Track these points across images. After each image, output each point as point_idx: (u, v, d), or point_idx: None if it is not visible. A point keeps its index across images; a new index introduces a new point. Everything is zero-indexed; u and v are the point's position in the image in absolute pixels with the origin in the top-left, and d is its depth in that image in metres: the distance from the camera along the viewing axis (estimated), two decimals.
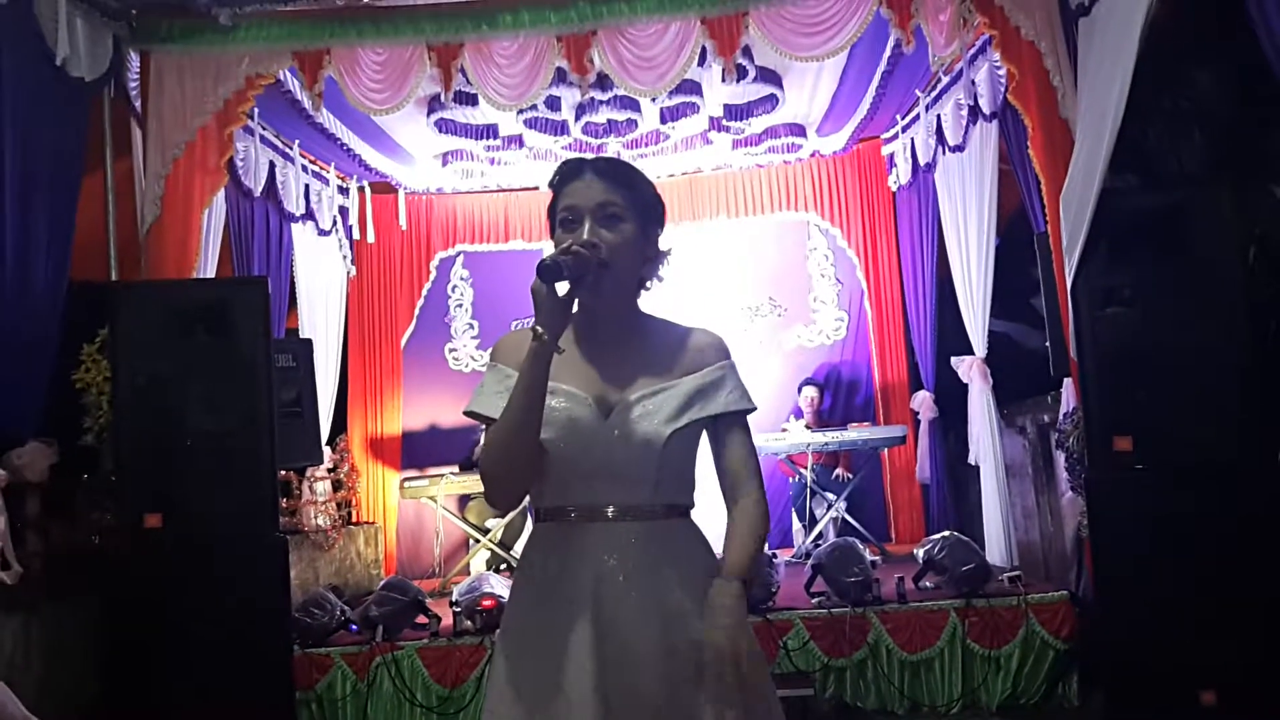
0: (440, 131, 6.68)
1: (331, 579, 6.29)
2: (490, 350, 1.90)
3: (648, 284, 1.89)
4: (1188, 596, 3.82)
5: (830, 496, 6.85)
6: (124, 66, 5.02)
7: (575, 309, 1.74)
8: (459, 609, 4.85)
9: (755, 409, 1.85)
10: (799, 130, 7.42)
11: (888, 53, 5.96)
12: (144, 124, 5.05)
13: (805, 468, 6.82)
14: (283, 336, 6.17)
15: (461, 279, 8.29)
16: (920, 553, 5.17)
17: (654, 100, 6.25)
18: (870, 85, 6.56)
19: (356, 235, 7.72)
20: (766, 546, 6.50)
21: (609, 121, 6.69)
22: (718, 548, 1.82)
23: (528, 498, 1.86)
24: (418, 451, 7.98)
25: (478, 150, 7.17)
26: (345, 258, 7.67)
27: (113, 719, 4.08)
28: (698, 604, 1.74)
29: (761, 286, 8.12)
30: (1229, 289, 3.97)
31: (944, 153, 6.53)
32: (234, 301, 4.41)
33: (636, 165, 1.91)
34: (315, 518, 6.41)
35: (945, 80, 6.31)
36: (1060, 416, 5.00)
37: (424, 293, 8.26)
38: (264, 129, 6.17)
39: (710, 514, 1.94)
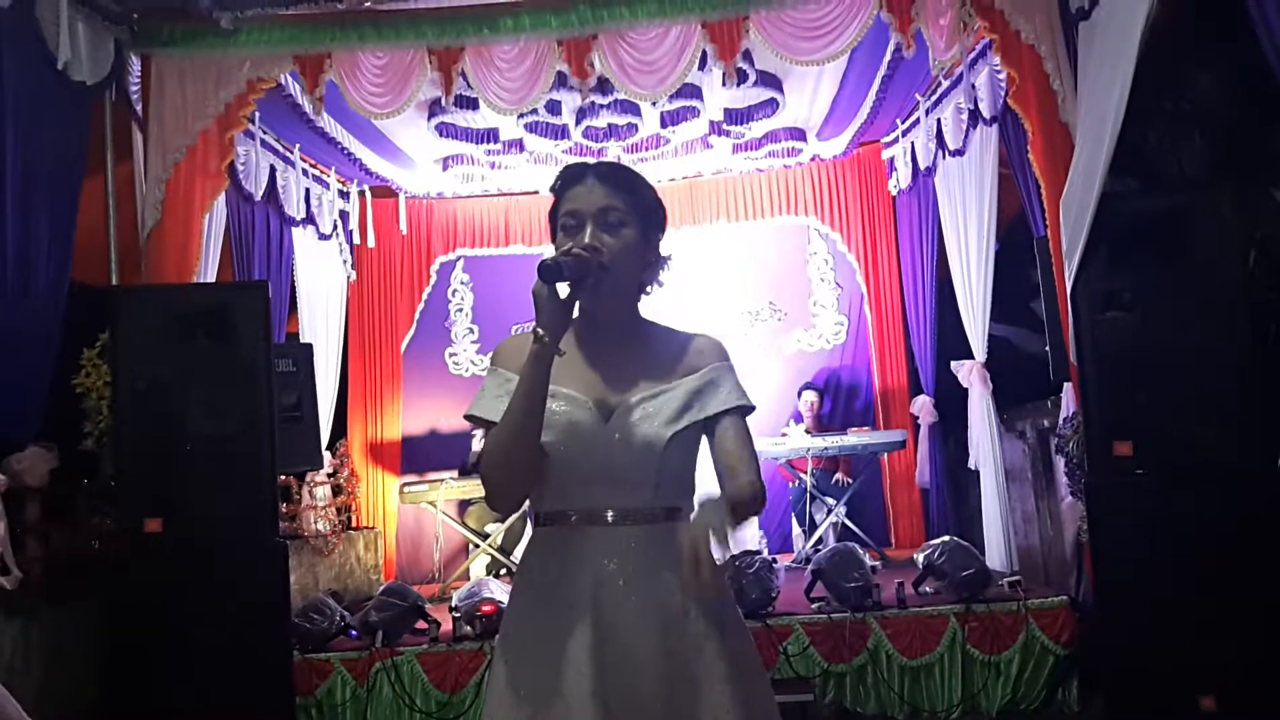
0: (441, 135, 6.69)
1: (331, 584, 6.28)
2: (490, 354, 1.90)
3: (648, 288, 1.89)
4: (1188, 601, 3.82)
5: (830, 501, 6.85)
6: (125, 70, 5.02)
7: (576, 313, 1.74)
8: (459, 614, 4.84)
9: (754, 407, 1.85)
10: (799, 134, 7.42)
11: (888, 57, 5.96)
12: (145, 128, 5.06)
13: (805, 472, 6.81)
14: (283, 341, 6.16)
15: (462, 283, 8.29)
16: (920, 558, 5.17)
17: (654, 104, 6.26)
18: (870, 89, 6.56)
19: (357, 239, 7.73)
20: (766, 551, 6.49)
21: (609, 125, 6.69)
22: (717, 552, 1.81)
23: (528, 502, 1.86)
24: (417, 456, 7.97)
25: (478, 154, 7.17)
26: (346, 262, 7.67)
27: None
28: (697, 607, 1.74)
29: (761, 291, 8.11)
30: (1229, 292, 3.97)
31: (944, 157, 6.53)
32: (234, 306, 4.41)
33: (637, 169, 1.91)
34: (315, 523, 6.41)
35: (945, 84, 6.31)
36: (1060, 421, 5.00)
37: (424, 297, 8.26)
38: (265, 133, 6.17)
39: None
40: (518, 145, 7.06)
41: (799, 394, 7.45)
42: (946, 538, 5.20)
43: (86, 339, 4.71)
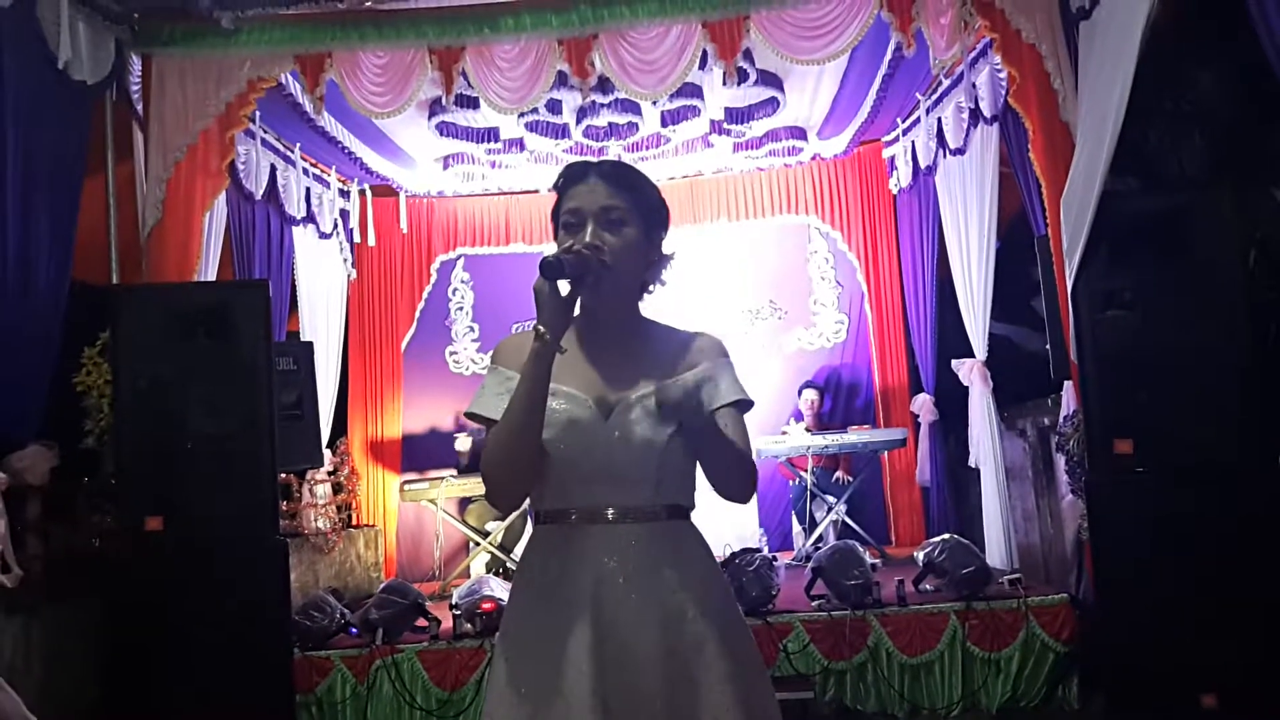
0: (441, 134, 6.69)
1: (331, 582, 6.29)
2: (491, 353, 1.90)
3: (650, 287, 1.89)
4: (1188, 599, 3.82)
5: (830, 499, 6.85)
6: (126, 70, 5.03)
7: (577, 310, 1.74)
8: (459, 612, 4.84)
9: (753, 402, 1.84)
10: (800, 133, 7.42)
11: (888, 56, 5.96)
12: (146, 127, 5.06)
13: (805, 470, 6.82)
14: (283, 339, 6.16)
15: (462, 282, 8.30)
16: (920, 555, 5.17)
17: (655, 103, 6.26)
18: (871, 88, 6.56)
19: (357, 238, 7.74)
20: (766, 548, 6.49)
21: (610, 125, 6.70)
22: (717, 550, 1.82)
23: (528, 500, 1.86)
24: (418, 454, 7.97)
25: (479, 153, 7.17)
26: (346, 260, 7.67)
27: None
28: (697, 606, 1.74)
29: (762, 289, 8.12)
30: (1229, 291, 3.97)
31: (945, 155, 6.53)
32: (235, 304, 4.41)
33: (640, 168, 1.91)
34: (315, 520, 6.41)
35: (946, 83, 6.31)
36: (1060, 419, 5.01)
37: (424, 296, 8.26)
38: (265, 132, 6.18)
39: (710, 514, 1.94)
40: (518, 144, 7.07)
41: (799, 392, 7.45)
42: (947, 536, 5.20)
43: (87, 338, 4.71)
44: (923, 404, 7.10)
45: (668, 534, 1.79)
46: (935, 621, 4.69)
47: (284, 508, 5.73)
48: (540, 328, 1.69)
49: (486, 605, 4.73)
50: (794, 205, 8.18)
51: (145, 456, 4.28)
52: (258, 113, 5.57)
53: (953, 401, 6.67)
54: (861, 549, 5.15)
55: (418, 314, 8.24)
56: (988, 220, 5.96)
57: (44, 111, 4.39)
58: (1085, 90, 4.34)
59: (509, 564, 6.59)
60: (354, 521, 7.30)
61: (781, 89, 6.48)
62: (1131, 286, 4.06)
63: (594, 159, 1.99)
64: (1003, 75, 5.07)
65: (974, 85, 5.87)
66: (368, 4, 5.14)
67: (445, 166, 7.49)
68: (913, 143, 7.09)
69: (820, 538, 6.65)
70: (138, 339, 4.32)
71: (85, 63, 4.64)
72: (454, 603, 4.94)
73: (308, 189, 6.83)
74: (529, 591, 1.82)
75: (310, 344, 6.10)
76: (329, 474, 6.78)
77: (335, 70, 5.18)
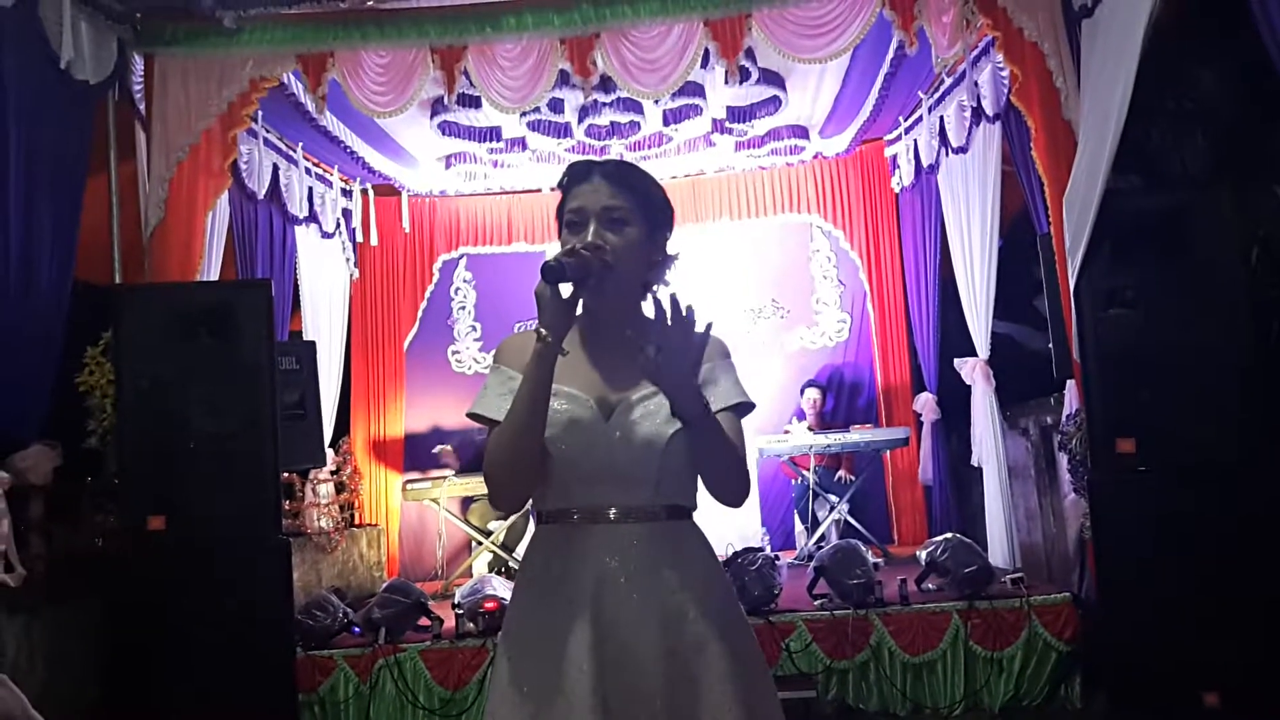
0: (443, 134, 6.69)
1: (334, 581, 6.29)
2: (493, 352, 1.90)
3: (654, 288, 1.89)
4: (1190, 597, 3.82)
5: (833, 498, 6.85)
6: (128, 69, 5.03)
7: (579, 311, 1.74)
8: (461, 611, 4.85)
9: (753, 405, 1.84)
10: (802, 132, 7.42)
11: (890, 54, 5.96)
12: (148, 127, 5.06)
13: (808, 469, 6.81)
14: (286, 339, 6.17)
15: (464, 281, 8.30)
16: (923, 554, 5.17)
17: (657, 102, 6.26)
18: (873, 87, 6.56)
19: (360, 238, 7.74)
20: (769, 548, 6.48)
21: (612, 124, 6.69)
22: (719, 549, 1.82)
23: (530, 500, 1.86)
24: (420, 454, 7.97)
25: (481, 153, 7.18)
26: (348, 260, 7.68)
27: None
28: (698, 606, 1.75)
29: (764, 288, 8.12)
30: (1232, 290, 3.97)
31: (947, 154, 6.53)
32: (237, 304, 4.41)
33: (644, 168, 1.91)
34: (318, 520, 6.41)
35: (948, 82, 6.31)
36: (1063, 418, 5.00)
37: (427, 295, 8.27)
38: (268, 132, 6.18)
39: (712, 514, 1.94)
40: (520, 143, 7.07)
41: (802, 391, 7.45)
42: (949, 534, 5.20)
43: (90, 337, 4.72)
44: (925, 403, 7.10)
45: (669, 534, 1.79)
46: (937, 620, 4.69)
47: (286, 507, 5.73)
48: (542, 330, 1.69)
49: (489, 604, 4.73)
50: (796, 204, 8.18)
51: (148, 456, 4.28)
52: (260, 112, 5.58)
53: (955, 400, 6.67)
54: (864, 548, 5.15)
55: (420, 313, 8.25)
56: (990, 219, 5.95)
57: (46, 111, 4.39)
58: (1087, 89, 4.34)
59: (511, 563, 6.59)
60: (356, 521, 7.30)
61: (783, 88, 6.47)
62: (1134, 285, 4.06)
63: (598, 158, 1.99)
64: (1005, 74, 5.07)
65: (976, 84, 5.86)
66: (370, 3, 5.15)
67: (447, 166, 7.49)
68: (915, 141, 7.09)
69: (822, 537, 6.65)
70: (140, 339, 4.32)
71: (88, 62, 4.65)
72: (456, 602, 4.94)
73: (310, 188, 6.84)
74: (531, 591, 1.82)
75: (313, 343, 6.10)
76: (331, 473, 6.78)
77: (337, 70, 5.18)
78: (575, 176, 1.84)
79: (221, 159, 5.10)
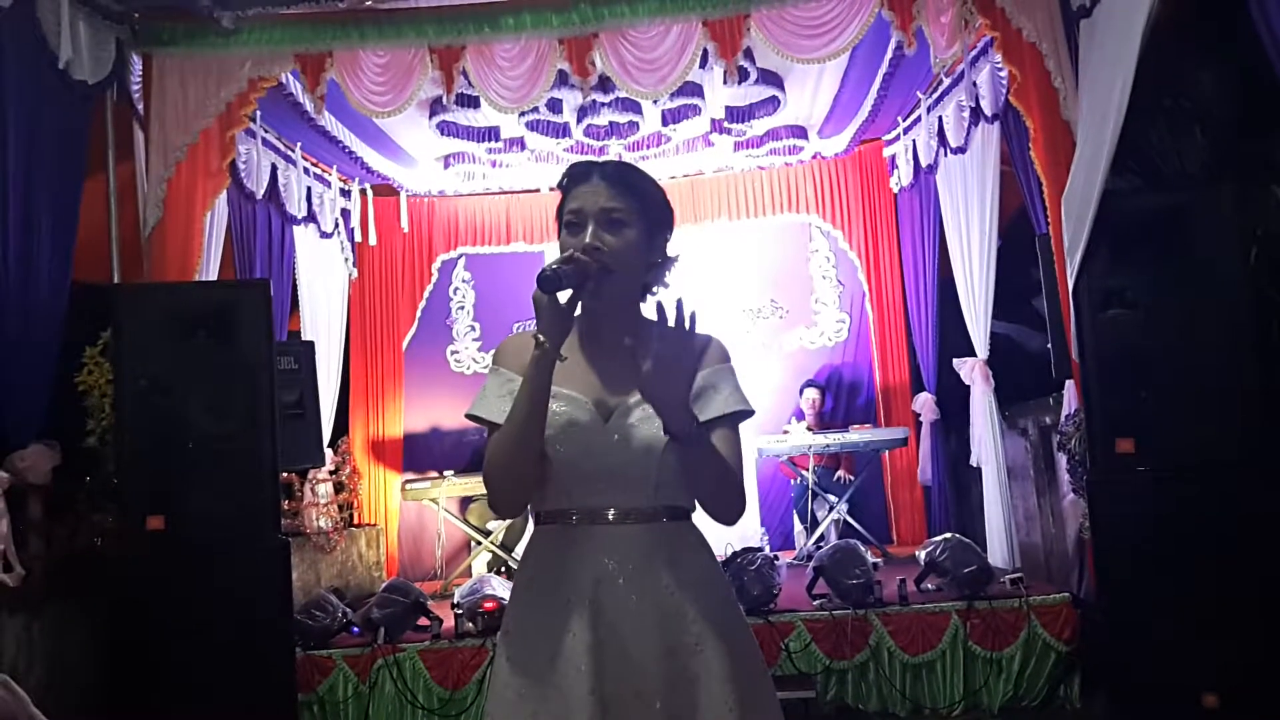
0: (442, 134, 6.69)
1: (333, 581, 6.29)
2: (492, 353, 1.90)
3: (653, 289, 1.89)
4: (1189, 598, 3.81)
5: (832, 498, 6.85)
6: (126, 69, 5.02)
7: (578, 312, 1.74)
8: (460, 611, 4.85)
9: (752, 412, 1.84)
10: (800, 132, 7.42)
11: (889, 54, 5.96)
12: (146, 127, 5.06)
13: (807, 469, 6.82)
14: (285, 339, 6.16)
15: (463, 281, 8.30)
16: (922, 555, 5.17)
17: (655, 102, 6.26)
18: (872, 87, 6.56)
19: (358, 238, 7.74)
20: (768, 548, 6.48)
21: (610, 124, 6.70)
22: (718, 549, 1.82)
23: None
24: (419, 453, 7.99)
25: (479, 152, 7.17)
26: (347, 260, 7.68)
27: None
28: (697, 606, 1.74)
29: (763, 288, 8.12)
30: (1231, 290, 3.96)
31: (945, 154, 6.53)
32: (236, 304, 4.42)
33: (644, 170, 1.90)
34: (317, 520, 6.41)
35: (947, 82, 6.31)
36: (1062, 418, 5.00)
37: (426, 295, 8.27)
38: (266, 131, 6.18)
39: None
40: (519, 143, 7.07)
41: (801, 391, 7.45)
42: (948, 535, 5.20)
43: (89, 337, 4.71)
44: (924, 403, 7.10)
45: (668, 534, 1.79)
46: (937, 621, 4.69)
47: (285, 507, 5.73)
48: (540, 336, 1.68)
49: (488, 604, 4.74)
50: (795, 204, 8.18)
51: (147, 456, 4.28)
52: (258, 112, 5.58)
53: (954, 400, 6.67)
54: (863, 548, 5.15)
55: (419, 313, 8.25)
56: (989, 219, 5.95)
57: (45, 111, 4.39)
58: (1086, 88, 4.33)
59: (510, 563, 6.59)
60: (355, 521, 7.30)
61: (782, 88, 6.48)
62: (1133, 285, 4.05)
63: (599, 159, 1.99)
64: (1003, 74, 5.07)
65: (975, 84, 5.86)
66: (368, 3, 5.14)
67: (446, 166, 7.49)
68: (914, 141, 7.09)
69: (822, 537, 6.66)
70: (139, 338, 4.32)
71: (86, 62, 4.64)
72: (456, 602, 4.95)
73: (309, 188, 6.84)
74: (530, 591, 1.82)
75: (311, 343, 6.10)
76: (330, 473, 6.77)
77: (336, 69, 5.18)
78: (575, 177, 1.83)
79: (220, 159, 5.10)
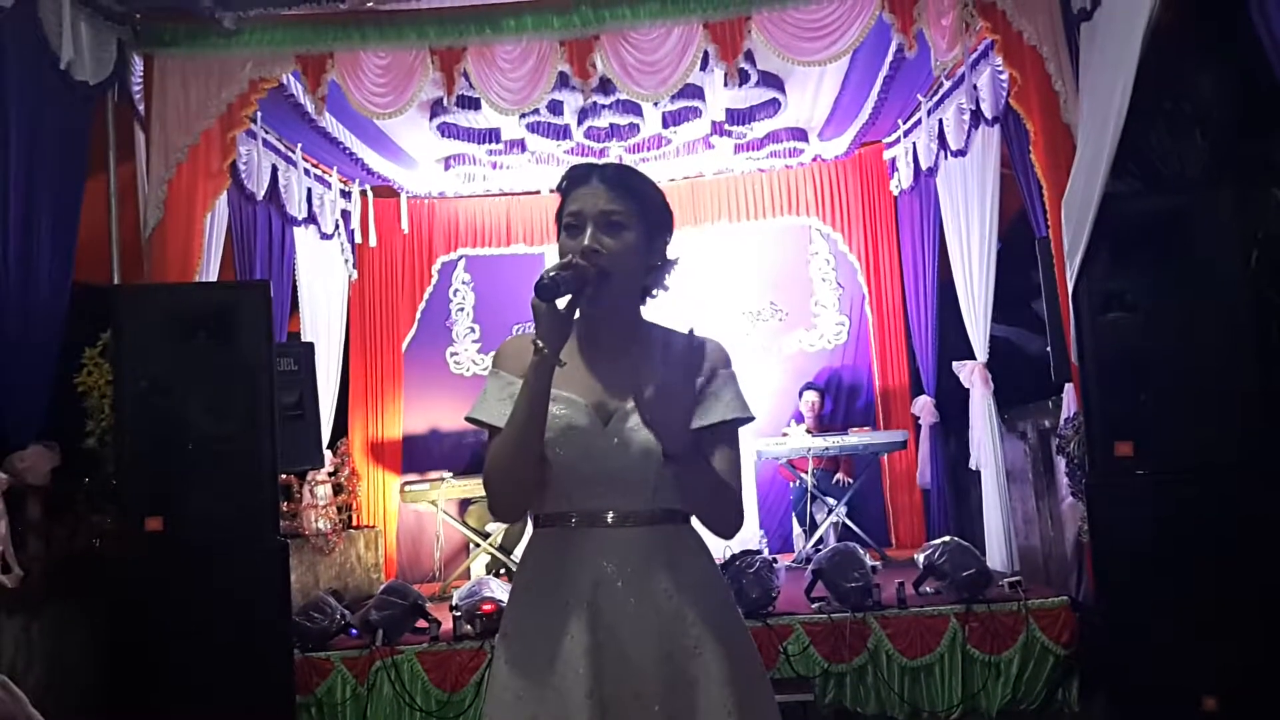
0: (442, 135, 6.69)
1: (332, 583, 6.28)
2: (492, 355, 1.90)
3: (653, 292, 1.88)
4: (1188, 601, 3.81)
5: (831, 501, 6.85)
6: (128, 70, 5.02)
7: (577, 316, 1.74)
8: (459, 613, 4.84)
9: (753, 418, 1.83)
10: (801, 134, 7.42)
11: (890, 57, 5.96)
12: (147, 127, 5.06)
13: (806, 472, 6.82)
14: (284, 340, 6.16)
15: (463, 283, 8.30)
16: (920, 558, 5.17)
17: (656, 104, 6.27)
18: (872, 90, 6.56)
19: (358, 239, 7.74)
20: (767, 550, 6.47)
21: (611, 126, 6.69)
22: (717, 552, 1.82)
23: None
24: (418, 455, 7.98)
25: (480, 154, 7.17)
26: (347, 261, 7.67)
27: None
28: (696, 609, 1.74)
29: (763, 291, 8.12)
30: (1231, 292, 3.96)
31: (946, 157, 6.53)
32: (236, 305, 4.42)
33: (644, 172, 1.90)
34: (316, 521, 6.41)
35: (947, 85, 6.31)
36: (1061, 421, 5.00)
37: (425, 296, 8.26)
38: (267, 133, 6.18)
39: None
40: (519, 145, 7.06)
41: (800, 394, 7.45)
42: (947, 538, 5.20)
43: (88, 338, 4.72)
44: (923, 406, 7.09)
45: (666, 537, 1.79)
46: (935, 624, 4.69)
47: (284, 508, 5.72)
48: (538, 342, 1.68)
49: (486, 607, 4.73)
50: (795, 206, 8.18)
51: (146, 457, 4.28)
52: (259, 113, 5.58)
53: (953, 403, 6.67)
54: (862, 551, 5.15)
55: (418, 315, 8.24)
56: (989, 222, 5.95)
57: (46, 111, 4.39)
58: (1086, 91, 4.34)
59: (509, 565, 6.59)
60: (354, 522, 7.30)
61: (783, 90, 6.48)
62: (1132, 288, 4.05)
63: (598, 161, 1.99)
64: (1004, 77, 5.07)
65: (975, 87, 5.86)
66: (369, 4, 5.15)
67: (446, 167, 7.49)
68: (914, 144, 7.09)
69: (820, 540, 6.65)
70: (139, 339, 4.32)
71: (87, 63, 4.64)
72: (454, 604, 4.94)
73: (309, 190, 6.83)
74: (528, 593, 1.82)
75: (311, 345, 6.10)
76: (329, 475, 6.77)
77: (337, 71, 5.18)
78: (574, 180, 1.83)
79: (220, 160, 5.10)
